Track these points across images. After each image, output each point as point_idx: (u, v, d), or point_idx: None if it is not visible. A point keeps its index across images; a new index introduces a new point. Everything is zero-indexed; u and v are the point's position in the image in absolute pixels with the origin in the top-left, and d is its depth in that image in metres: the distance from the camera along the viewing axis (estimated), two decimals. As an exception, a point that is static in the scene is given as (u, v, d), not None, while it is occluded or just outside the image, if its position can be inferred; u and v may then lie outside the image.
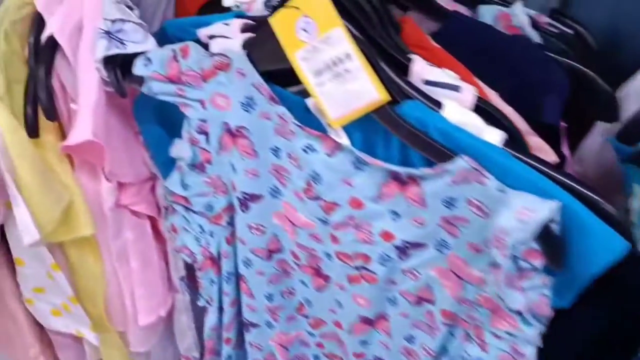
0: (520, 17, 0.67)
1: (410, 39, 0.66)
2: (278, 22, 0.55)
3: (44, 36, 0.67)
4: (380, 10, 0.63)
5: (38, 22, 0.68)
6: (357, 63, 0.53)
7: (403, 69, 0.59)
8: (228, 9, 0.72)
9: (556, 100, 0.66)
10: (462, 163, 0.51)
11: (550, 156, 0.65)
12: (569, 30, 0.70)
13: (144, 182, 0.80)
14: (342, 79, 0.54)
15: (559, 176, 0.50)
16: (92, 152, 0.69)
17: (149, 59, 0.62)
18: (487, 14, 0.68)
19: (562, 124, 0.75)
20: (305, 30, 0.54)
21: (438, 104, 0.56)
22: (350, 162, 0.58)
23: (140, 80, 0.64)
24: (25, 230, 0.69)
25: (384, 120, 0.55)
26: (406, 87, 0.57)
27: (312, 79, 0.55)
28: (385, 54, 0.59)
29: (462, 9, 0.71)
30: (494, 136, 0.55)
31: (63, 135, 0.75)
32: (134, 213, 0.80)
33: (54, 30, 0.66)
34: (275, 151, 0.61)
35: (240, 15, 0.70)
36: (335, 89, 0.54)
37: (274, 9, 0.63)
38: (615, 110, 0.68)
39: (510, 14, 0.68)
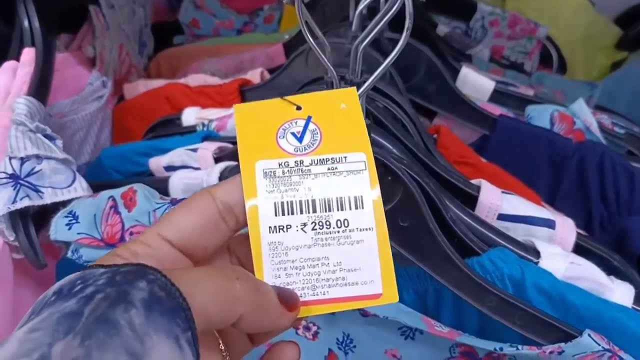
0: (586, 117, 0.51)
1: (450, 154, 0.49)
2: (247, 111, 0.31)
3: None
4: (416, 120, 0.45)
5: None
6: (369, 219, 0.28)
7: (468, 202, 0.41)
8: (191, 129, 0.52)
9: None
10: (588, 342, 0.34)
11: None
12: (634, 129, 0.55)
13: None
14: (326, 236, 0.28)
15: None
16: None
17: (74, 215, 0.41)
18: (541, 115, 0.52)
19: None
20: (296, 138, 0.30)
21: (534, 252, 0.38)
22: (396, 326, 0.38)
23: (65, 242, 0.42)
24: None
25: (459, 289, 0.36)
26: (482, 230, 0.38)
27: (265, 214, 0.28)
28: (437, 178, 0.41)
29: (501, 110, 0.54)
30: (624, 295, 0.37)
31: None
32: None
33: None
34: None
35: (209, 137, 0.50)
36: (304, 249, 0.29)
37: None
38: None
39: (570, 114, 0.52)
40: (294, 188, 0.28)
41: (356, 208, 0.28)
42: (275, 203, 0.28)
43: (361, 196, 0.28)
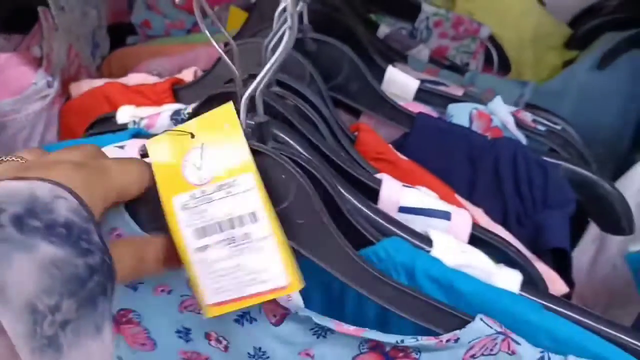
0: (503, 115, 0.53)
1: (368, 151, 0.51)
2: (157, 147, 0.36)
3: None
4: (330, 119, 0.47)
5: None
6: (265, 229, 0.34)
7: (371, 195, 0.43)
8: (124, 127, 0.54)
9: (560, 217, 0.52)
10: (480, 326, 0.36)
11: (558, 286, 0.51)
12: (557, 127, 0.57)
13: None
14: (237, 248, 0.35)
15: (600, 327, 0.37)
16: None
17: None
18: (460, 113, 0.54)
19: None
20: (197, 168, 0.35)
21: (425, 240, 0.39)
22: (308, 329, 0.40)
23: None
24: None
25: (355, 282, 0.37)
26: (379, 220, 0.40)
27: (189, 240, 0.35)
28: (342, 174, 0.43)
29: (424, 109, 0.56)
30: (510, 280, 0.39)
31: None
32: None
33: None
34: (184, 333, 0.41)
35: (139, 134, 0.52)
36: (224, 260, 0.35)
37: (182, 122, 0.47)
38: (629, 221, 0.54)
39: (489, 112, 0.54)
40: (204, 215, 0.35)
41: (253, 222, 0.34)
42: (194, 230, 0.35)
43: (254, 212, 0.34)
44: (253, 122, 0.38)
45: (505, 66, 0.89)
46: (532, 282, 0.44)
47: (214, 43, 0.39)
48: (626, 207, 0.54)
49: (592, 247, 0.71)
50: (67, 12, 0.69)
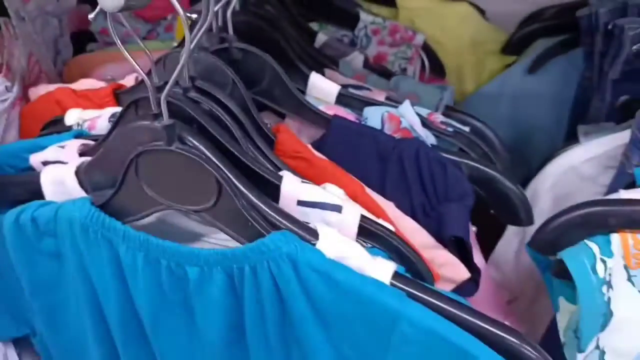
0: (410, 117, 0.59)
1: (286, 150, 0.56)
2: None
3: None
4: (245, 122, 0.53)
5: None
6: None
7: (273, 191, 0.48)
8: (70, 128, 0.60)
9: (459, 208, 0.57)
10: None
11: (460, 271, 0.56)
12: (465, 128, 0.63)
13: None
14: None
15: (465, 317, 0.41)
16: None
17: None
18: (374, 115, 0.59)
19: (473, 228, 0.66)
20: None
21: (313, 233, 0.45)
22: None
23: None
24: None
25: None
26: (272, 214, 0.45)
27: None
28: (249, 173, 0.48)
29: (344, 112, 0.62)
30: (382, 271, 0.43)
31: None
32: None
33: None
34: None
35: (81, 135, 0.58)
36: None
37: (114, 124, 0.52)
38: (528, 213, 0.59)
39: (398, 114, 0.59)
40: None
41: None
42: None
43: None
44: (160, 125, 0.44)
45: (440, 71, 0.94)
46: (415, 269, 0.49)
47: (126, 54, 0.45)
48: (524, 200, 0.59)
49: (515, 240, 0.77)
50: (28, 22, 0.74)
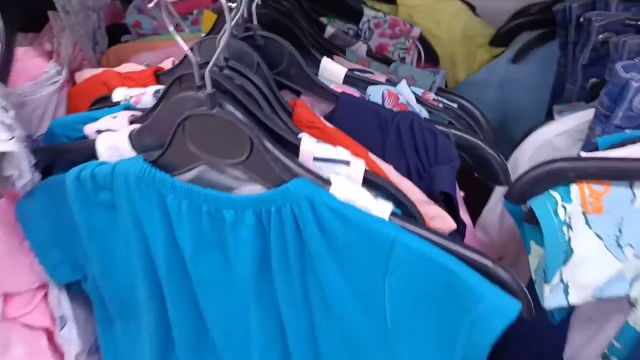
0: (406, 94, 0.69)
1: (302, 121, 0.67)
2: None
3: None
4: (269, 96, 0.63)
5: None
6: None
7: (293, 149, 0.59)
8: (118, 104, 0.71)
9: (447, 170, 0.68)
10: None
11: (448, 223, 0.65)
12: (453, 105, 0.74)
13: (35, 291, 0.73)
14: None
15: (448, 244, 0.51)
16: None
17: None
18: (376, 93, 0.70)
19: (461, 193, 0.77)
20: None
21: (327, 181, 0.55)
22: None
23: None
24: None
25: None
26: (293, 166, 0.56)
27: None
28: (273, 135, 0.59)
29: (350, 90, 0.72)
30: (382, 210, 0.54)
31: None
32: (26, 325, 0.73)
33: None
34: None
35: (129, 108, 0.69)
36: None
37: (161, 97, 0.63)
38: (505, 174, 0.70)
39: (396, 92, 0.70)
40: None
41: None
42: None
43: None
44: (203, 94, 0.55)
45: (434, 60, 1.05)
46: (409, 213, 0.59)
47: (180, 40, 0.55)
48: (502, 163, 0.70)
49: (499, 205, 0.87)
50: (72, 15, 0.85)
